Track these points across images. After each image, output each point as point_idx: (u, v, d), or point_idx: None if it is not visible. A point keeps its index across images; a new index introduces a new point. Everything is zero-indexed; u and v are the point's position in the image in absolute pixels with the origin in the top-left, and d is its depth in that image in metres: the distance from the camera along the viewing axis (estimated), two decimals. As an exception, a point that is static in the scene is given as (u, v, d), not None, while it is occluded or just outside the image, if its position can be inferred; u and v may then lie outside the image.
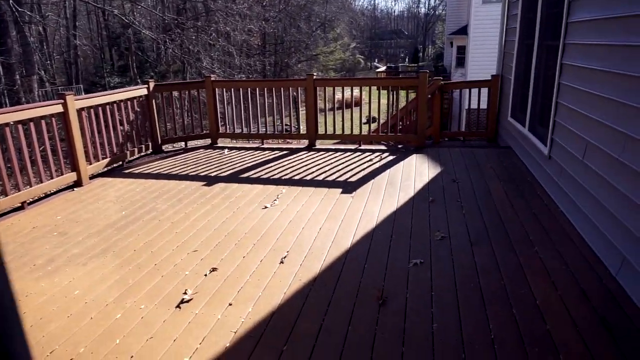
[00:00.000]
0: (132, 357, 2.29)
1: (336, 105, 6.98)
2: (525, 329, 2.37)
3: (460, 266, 3.05)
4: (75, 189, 5.05)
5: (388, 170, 5.30)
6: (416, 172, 5.17)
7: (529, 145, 5.03)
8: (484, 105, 6.56)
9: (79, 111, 5.11)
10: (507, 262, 3.07)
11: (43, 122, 4.64)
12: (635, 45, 2.74)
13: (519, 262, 3.05)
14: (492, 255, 3.17)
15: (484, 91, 6.50)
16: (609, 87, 3.07)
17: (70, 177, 5.06)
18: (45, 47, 23.99)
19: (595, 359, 2.13)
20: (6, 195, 4.29)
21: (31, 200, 4.59)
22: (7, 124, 4.28)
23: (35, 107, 4.61)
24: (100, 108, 5.43)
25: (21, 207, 4.43)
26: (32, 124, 4.49)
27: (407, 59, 48.39)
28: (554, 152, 4.20)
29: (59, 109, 4.84)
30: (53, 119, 4.83)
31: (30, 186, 4.53)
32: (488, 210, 3.97)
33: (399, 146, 6.49)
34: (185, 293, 2.86)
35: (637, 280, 2.53)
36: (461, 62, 22.63)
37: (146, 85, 6.28)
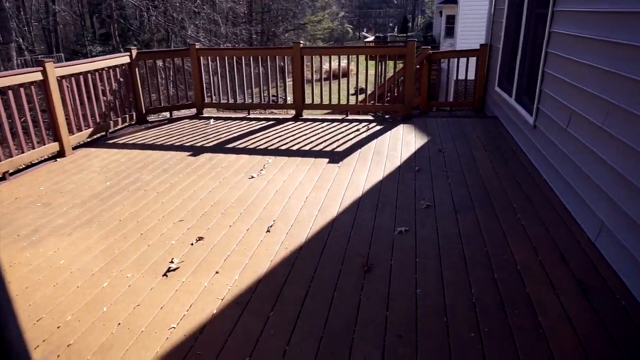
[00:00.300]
0: (119, 324, 2.31)
1: (324, 76, 6.89)
2: (505, 293, 2.44)
3: (444, 234, 3.10)
4: (58, 159, 4.96)
5: (375, 140, 5.29)
6: (403, 142, 5.18)
7: (515, 115, 5.05)
8: (472, 76, 6.53)
9: (60, 80, 4.98)
10: (490, 229, 3.13)
11: (22, 90, 4.51)
12: (621, 11, 2.72)
13: (502, 229, 3.11)
14: (475, 223, 3.22)
15: (473, 62, 6.46)
16: (596, 55, 3.06)
17: (53, 147, 4.97)
18: (22, 13, 23.09)
19: (572, 319, 2.21)
20: (-14, 166, 4.21)
21: (12, 170, 4.51)
22: (-16, 93, 4.15)
23: (13, 75, 4.47)
24: (81, 77, 5.29)
25: (2, 178, 4.36)
26: (10, 92, 4.36)
27: (396, 29, 47.67)
28: (539, 121, 4.22)
29: (38, 76, 4.70)
30: (33, 87, 4.70)
31: (12, 157, 4.44)
32: (473, 179, 4.01)
33: (386, 116, 6.47)
34: (171, 262, 2.87)
35: (614, 245, 2.60)
36: (450, 32, 22.40)
37: (128, 53, 6.12)
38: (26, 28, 22.91)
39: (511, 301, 2.37)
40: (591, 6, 3.19)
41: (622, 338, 2.08)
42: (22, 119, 4.55)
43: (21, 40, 20.36)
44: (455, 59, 6.95)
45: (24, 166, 4.73)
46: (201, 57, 6.63)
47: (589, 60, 3.15)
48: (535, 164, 4.22)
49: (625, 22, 2.69)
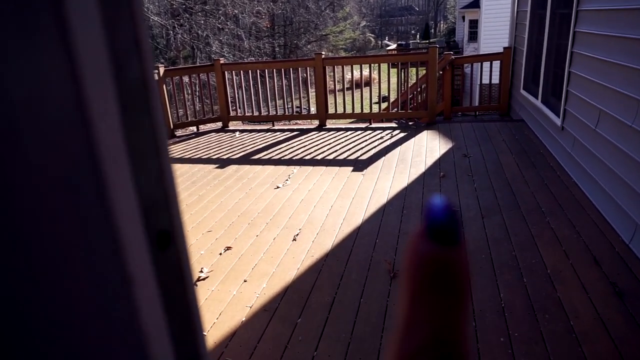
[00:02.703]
0: (152, 331, 2.38)
1: (347, 86, 6.95)
2: (535, 296, 2.39)
3: (471, 238, 3.07)
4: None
5: (399, 147, 5.29)
6: (427, 148, 5.15)
7: (542, 117, 4.96)
8: (497, 80, 6.47)
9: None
10: (518, 232, 3.08)
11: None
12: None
13: (530, 232, 3.06)
14: (503, 226, 3.18)
15: (497, 65, 6.40)
16: (622, 52, 3.00)
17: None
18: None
19: (606, 323, 2.15)
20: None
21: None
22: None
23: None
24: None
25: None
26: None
27: (418, 36, 47.55)
28: (566, 122, 4.14)
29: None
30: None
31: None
32: (499, 183, 3.96)
33: (410, 123, 6.46)
34: (201, 271, 2.94)
35: (650, 247, 2.53)
36: (473, 36, 22.17)
37: (156, 71, 6.33)
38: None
39: (542, 305, 2.32)
40: (615, 4, 3.13)
41: (660, 342, 2.01)
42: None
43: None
44: (479, 64, 6.89)
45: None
46: (225, 72, 6.80)
47: (615, 59, 3.09)
48: (564, 166, 4.13)
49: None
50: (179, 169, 5.11)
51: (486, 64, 6.56)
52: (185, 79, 6.83)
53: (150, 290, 0.28)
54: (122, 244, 0.26)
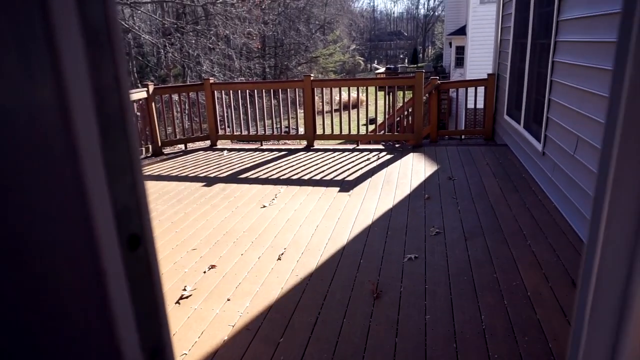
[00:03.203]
0: (132, 350, 2.36)
1: (335, 108, 7.06)
2: (516, 319, 2.43)
3: (454, 260, 3.11)
4: (76, 191, 5.11)
5: (385, 169, 5.36)
6: (413, 171, 5.23)
7: (524, 142, 5.09)
8: (482, 104, 6.63)
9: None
10: (500, 255, 3.13)
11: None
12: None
13: (512, 255, 3.11)
14: (485, 249, 3.23)
15: (482, 90, 6.57)
16: (597, 82, 3.13)
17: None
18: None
19: (583, 346, 2.19)
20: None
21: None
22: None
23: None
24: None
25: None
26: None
27: (406, 60, 48.50)
28: (547, 148, 4.26)
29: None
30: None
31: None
32: (483, 206, 4.03)
33: (397, 145, 6.56)
34: (184, 289, 2.92)
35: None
36: (460, 62, 22.70)
37: (145, 89, 6.36)
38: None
39: (522, 327, 2.36)
40: (590, 36, 3.28)
41: (635, 364, 2.05)
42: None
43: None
44: (465, 89, 7.06)
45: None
46: (215, 91, 6.86)
47: (591, 88, 3.21)
48: (545, 190, 4.23)
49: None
50: (166, 187, 5.10)
51: (471, 89, 6.73)
52: (175, 97, 6.87)
53: (120, 283, 0.34)
54: (97, 243, 0.32)
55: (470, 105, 7.16)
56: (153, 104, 6.48)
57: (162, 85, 7.84)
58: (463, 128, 10.28)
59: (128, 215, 0.35)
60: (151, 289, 0.40)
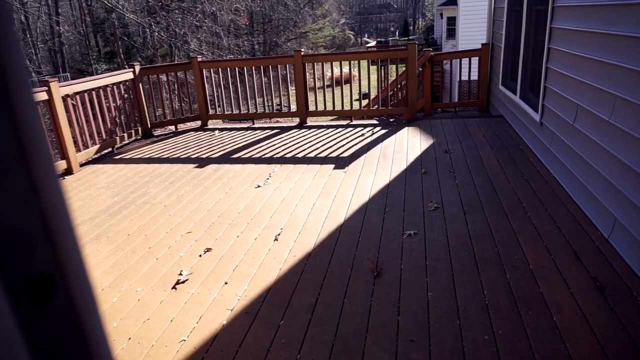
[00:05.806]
0: (129, 338, 2.30)
1: (327, 83, 6.91)
2: (518, 293, 2.39)
3: (453, 235, 3.06)
4: (65, 177, 5.00)
5: (380, 144, 5.27)
6: (408, 145, 5.15)
7: (521, 112, 5.01)
8: (475, 76, 6.51)
9: (65, 98, 5.03)
10: (500, 228, 3.09)
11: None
12: (619, 4, 2.69)
13: (512, 228, 3.07)
14: (485, 223, 3.18)
15: (475, 62, 6.44)
16: (597, 48, 3.03)
17: (60, 165, 5.01)
18: (28, 35, 23.48)
19: (588, 318, 2.16)
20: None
21: (22, 190, 4.54)
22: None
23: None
24: (86, 94, 5.34)
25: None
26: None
27: (397, 33, 47.76)
28: (545, 118, 4.18)
29: (43, 96, 4.76)
30: (38, 107, 4.75)
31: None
32: (480, 179, 3.97)
33: (391, 120, 6.45)
34: (180, 274, 2.86)
35: (629, 241, 2.55)
36: (452, 33, 22.38)
37: (132, 69, 6.17)
38: (32, 50, 23.27)
39: (525, 301, 2.32)
40: (590, 0, 3.16)
41: (641, 335, 2.03)
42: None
43: (28, 63, 20.68)
44: (458, 60, 6.92)
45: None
46: (204, 70, 6.68)
47: (591, 54, 3.12)
48: (543, 161, 4.18)
49: (622, 14, 2.66)
50: (157, 169, 4.99)
51: (465, 61, 6.59)
52: (163, 77, 6.68)
53: None
54: None
55: (464, 77, 7.03)
56: (141, 85, 6.30)
57: (149, 65, 7.62)
58: (457, 100, 10.16)
59: (24, 245, 0.20)
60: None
